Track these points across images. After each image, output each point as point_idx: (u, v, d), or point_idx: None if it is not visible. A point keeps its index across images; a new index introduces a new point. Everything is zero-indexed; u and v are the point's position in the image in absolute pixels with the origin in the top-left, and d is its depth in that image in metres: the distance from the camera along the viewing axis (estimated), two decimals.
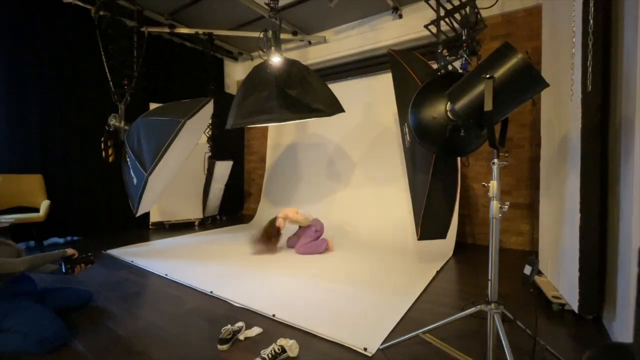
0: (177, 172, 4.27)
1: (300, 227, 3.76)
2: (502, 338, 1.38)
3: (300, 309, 2.18)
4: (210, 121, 5.00)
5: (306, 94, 2.98)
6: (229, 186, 5.55)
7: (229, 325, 1.83)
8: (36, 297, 1.94)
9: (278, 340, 1.67)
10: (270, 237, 3.51)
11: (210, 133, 5.28)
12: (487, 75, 1.37)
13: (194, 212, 5.37)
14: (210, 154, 5.30)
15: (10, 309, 1.71)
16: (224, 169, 5.27)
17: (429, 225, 2.85)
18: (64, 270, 2.04)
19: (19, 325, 1.65)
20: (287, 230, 3.75)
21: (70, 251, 2.08)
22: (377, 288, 2.55)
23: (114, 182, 4.26)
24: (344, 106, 3.33)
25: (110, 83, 3.96)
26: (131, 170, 3.48)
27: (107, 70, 3.94)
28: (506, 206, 1.48)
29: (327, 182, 4.95)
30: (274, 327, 1.94)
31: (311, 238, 3.57)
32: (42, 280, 2.19)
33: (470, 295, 2.41)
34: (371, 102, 4.73)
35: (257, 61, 4.87)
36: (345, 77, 5.03)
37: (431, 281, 2.71)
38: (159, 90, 5.11)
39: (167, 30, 4.86)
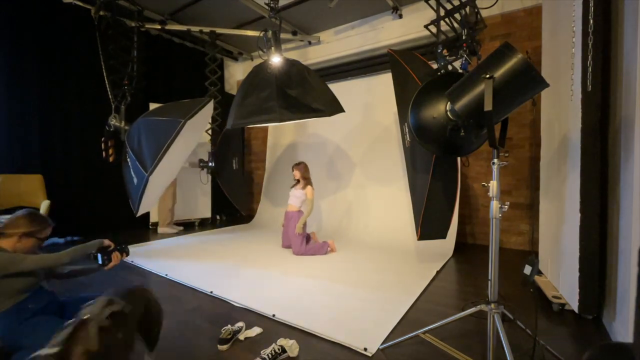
0: (178, 172, 4.27)
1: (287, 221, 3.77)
2: (502, 338, 1.38)
3: (300, 309, 2.18)
4: (210, 121, 5.00)
5: (306, 94, 2.98)
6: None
7: (229, 325, 1.83)
8: (56, 309, 1.81)
9: (278, 340, 1.67)
10: None
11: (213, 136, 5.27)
12: (487, 75, 1.37)
13: (194, 212, 5.38)
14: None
15: (28, 328, 1.61)
16: None
17: (429, 225, 2.85)
18: (100, 262, 1.85)
19: (44, 340, 1.60)
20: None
21: (106, 242, 1.92)
22: (377, 288, 2.55)
23: (114, 182, 4.26)
24: (344, 106, 3.33)
25: (110, 83, 3.96)
26: (132, 170, 3.48)
27: (106, 71, 3.94)
28: (506, 206, 1.48)
29: (327, 182, 4.95)
30: (274, 327, 1.94)
31: (301, 236, 3.59)
32: (64, 291, 2.11)
33: (470, 295, 2.41)
34: (371, 102, 4.72)
35: (257, 61, 4.87)
36: (345, 77, 5.02)
37: (431, 281, 2.71)
38: (159, 90, 5.10)
39: (165, 26, 4.82)
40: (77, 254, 1.76)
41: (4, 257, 1.60)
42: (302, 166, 3.80)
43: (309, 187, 3.71)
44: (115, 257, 1.90)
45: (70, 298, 1.99)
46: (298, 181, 3.81)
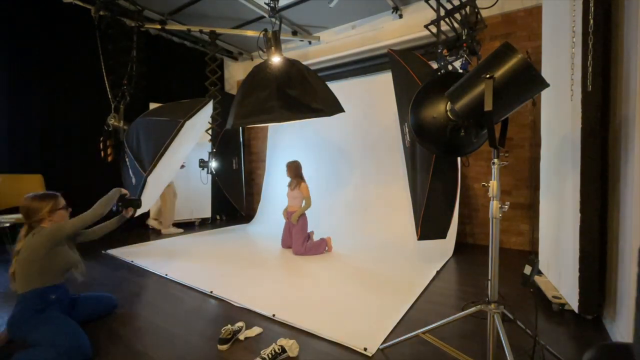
0: (177, 172, 4.27)
1: (288, 218, 3.78)
2: (502, 338, 1.38)
3: (300, 309, 2.18)
4: (210, 121, 4.99)
5: (306, 94, 2.98)
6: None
7: (229, 325, 1.83)
8: (67, 306, 1.90)
9: (278, 340, 1.67)
10: None
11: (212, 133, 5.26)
12: (487, 75, 1.37)
13: (194, 212, 5.37)
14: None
15: (38, 321, 1.65)
16: None
17: (428, 225, 2.85)
18: (115, 209, 2.10)
19: (49, 337, 1.60)
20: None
21: (123, 190, 2.18)
22: (377, 288, 2.55)
23: (114, 182, 4.25)
24: (344, 106, 3.32)
25: (110, 83, 3.96)
26: (130, 170, 3.48)
27: (106, 70, 3.95)
28: (506, 206, 1.48)
29: (327, 182, 4.95)
30: (274, 327, 1.94)
31: (303, 236, 3.58)
32: (73, 288, 2.13)
33: (470, 295, 2.41)
34: (371, 102, 4.72)
35: (257, 61, 4.87)
36: (345, 77, 5.02)
37: (431, 281, 2.71)
38: (159, 90, 5.10)
39: (165, 26, 4.83)
40: (105, 204, 2.11)
41: (48, 228, 1.84)
42: (293, 165, 3.80)
43: (302, 184, 3.71)
44: (130, 210, 2.27)
45: (79, 295, 2.09)
46: (292, 181, 3.81)
